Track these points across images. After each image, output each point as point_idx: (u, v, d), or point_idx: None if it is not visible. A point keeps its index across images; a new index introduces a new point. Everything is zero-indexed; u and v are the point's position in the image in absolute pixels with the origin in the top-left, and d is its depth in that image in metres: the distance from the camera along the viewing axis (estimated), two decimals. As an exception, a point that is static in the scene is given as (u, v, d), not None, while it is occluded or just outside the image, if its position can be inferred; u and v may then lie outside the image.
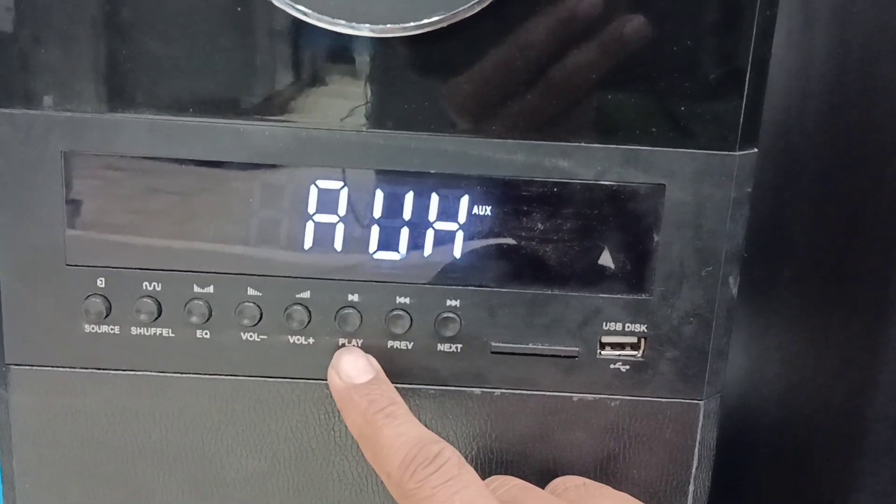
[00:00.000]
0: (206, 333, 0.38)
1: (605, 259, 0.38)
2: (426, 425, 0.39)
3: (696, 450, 0.40)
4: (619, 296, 0.38)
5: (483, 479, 0.36)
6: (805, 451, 0.47)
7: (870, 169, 0.42)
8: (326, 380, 0.39)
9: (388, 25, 0.34)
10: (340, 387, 0.38)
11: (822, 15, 0.45)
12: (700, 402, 0.40)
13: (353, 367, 0.38)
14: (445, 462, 0.35)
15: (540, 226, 0.38)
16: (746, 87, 0.36)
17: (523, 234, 0.38)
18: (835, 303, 0.44)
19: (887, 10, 0.41)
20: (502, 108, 0.36)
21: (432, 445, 0.35)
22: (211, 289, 0.38)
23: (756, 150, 0.37)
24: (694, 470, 0.40)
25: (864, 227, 0.42)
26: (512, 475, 0.39)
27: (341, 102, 0.36)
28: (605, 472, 0.40)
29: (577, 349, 0.39)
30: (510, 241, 0.38)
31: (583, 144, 0.37)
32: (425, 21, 0.34)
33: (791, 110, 0.47)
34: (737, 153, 0.37)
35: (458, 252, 0.38)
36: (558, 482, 0.40)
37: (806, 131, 0.47)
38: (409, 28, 0.34)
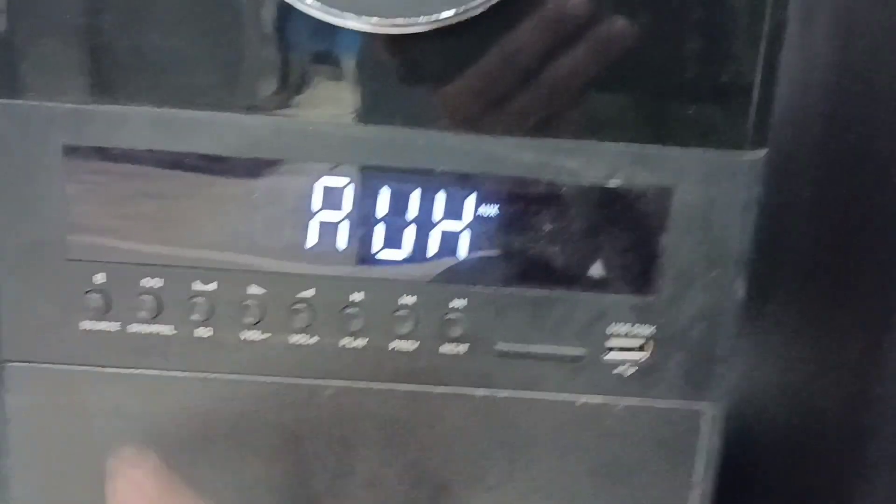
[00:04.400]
0: (207, 331, 0.38)
1: (613, 260, 0.38)
2: (430, 428, 0.39)
3: (701, 453, 0.40)
4: (626, 297, 0.38)
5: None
6: (804, 459, 0.47)
7: (871, 175, 0.42)
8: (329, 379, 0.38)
9: (398, 20, 0.34)
10: None
11: (823, 19, 0.45)
12: (706, 405, 0.39)
13: None
14: None
15: (547, 226, 0.37)
16: (757, 85, 0.36)
17: (530, 234, 0.38)
18: (835, 310, 0.44)
19: (889, 15, 0.41)
20: (511, 105, 0.36)
21: None
22: (213, 286, 0.37)
23: (767, 150, 0.37)
24: (699, 474, 0.40)
25: (865, 233, 0.42)
26: (515, 477, 0.39)
27: (348, 97, 0.36)
28: (609, 475, 0.40)
29: (584, 351, 0.39)
30: (517, 241, 0.38)
31: (592, 142, 0.36)
32: (435, 17, 0.34)
33: (792, 115, 0.47)
34: (747, 153, 0.37)
35: (463, 252, 0.38)
36: None
37: (807, 136, 0.46)
38: (419, 24, 0.34)
